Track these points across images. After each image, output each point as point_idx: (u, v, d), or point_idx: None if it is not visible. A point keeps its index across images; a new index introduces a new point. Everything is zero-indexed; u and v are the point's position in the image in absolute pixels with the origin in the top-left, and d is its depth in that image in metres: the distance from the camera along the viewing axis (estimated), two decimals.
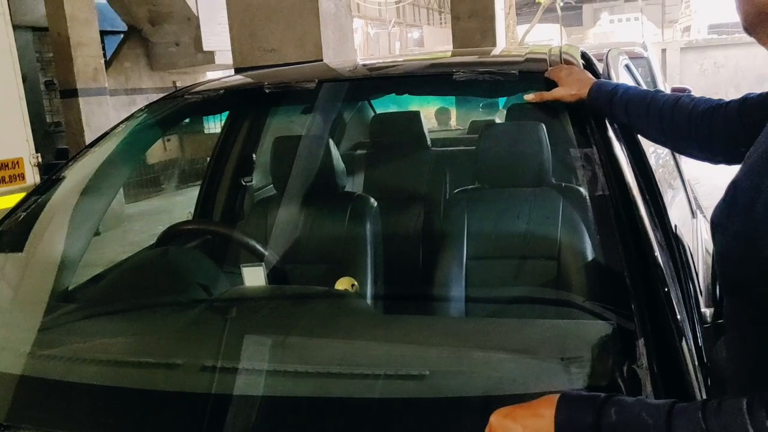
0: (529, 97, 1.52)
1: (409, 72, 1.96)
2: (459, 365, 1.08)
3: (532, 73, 1.58)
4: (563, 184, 1.78)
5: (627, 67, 2.17)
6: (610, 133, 1.40)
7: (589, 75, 1.50)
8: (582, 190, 1.70)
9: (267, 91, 1.73)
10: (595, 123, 1.41)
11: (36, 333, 1.43)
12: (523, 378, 1.02)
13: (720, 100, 1.27)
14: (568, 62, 1.61)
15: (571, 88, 1.45)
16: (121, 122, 1.84)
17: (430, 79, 1.87)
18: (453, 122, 6.01)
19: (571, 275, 1.61)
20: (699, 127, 1.25)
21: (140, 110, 1.87)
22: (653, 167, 1.53)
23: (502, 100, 3.26)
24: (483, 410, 0.87)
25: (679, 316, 1.02)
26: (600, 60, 1.81)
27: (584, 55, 1.74)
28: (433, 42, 32.75)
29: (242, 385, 1.08)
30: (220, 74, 9.27)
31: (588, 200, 1.65)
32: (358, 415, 0.99)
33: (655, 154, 1.90)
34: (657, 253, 1.11)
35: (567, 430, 0.78)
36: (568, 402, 0.80)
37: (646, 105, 1.34)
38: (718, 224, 0.86)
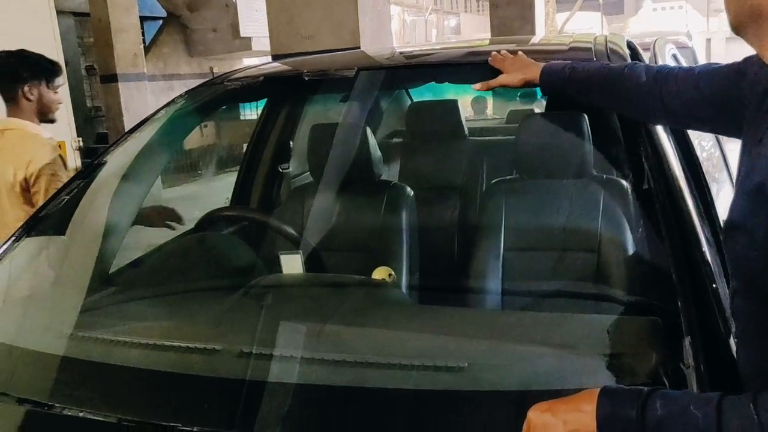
0: (476, 86, 1.55)
1: (450, 60, 1.93)
2: (498, 358, 1.06)
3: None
4: (605, 176, 1.74)
5: (674, 57, 2.11)
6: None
7: (532, 60, 1.50)
8: (624, 182, 1.66)
9: (306, 78, 1.73)
10: None
11: (77, 315, 1.46)
12: (563, 373, 1.00)
13: (665, 66, 1.28)
14: (614, 52, 1.57)
15: (517, 73, 1.47)
16: (162, 108, 1.85)
17: (471, 68, 1.85)
18: (489, 111, 5.95)
19: (611, 269, 1.58)
20: (651, 93, 1.24)
21: (180, 96, 1.89)
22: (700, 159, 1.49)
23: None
24: (521, 404, 0.86)
25: (727, 314, 0.99)
26: (646, 50, 1.76)
27: (630, 45, 1.70)
28: (470, 30, 32.44)
29: (279, 371, 1.08)
30: (256, 61, 9.33)
31: (630, 193, 1.61)
32: (395, 405, 0.98)
33: (700, 146, 1.85)
34: (705, 249, 1.08)
35: (610, 425, 0.76)
36: (610, 396, 0.78)
37: (598, 78, 1.35)
38: (740, 224, 0.82)
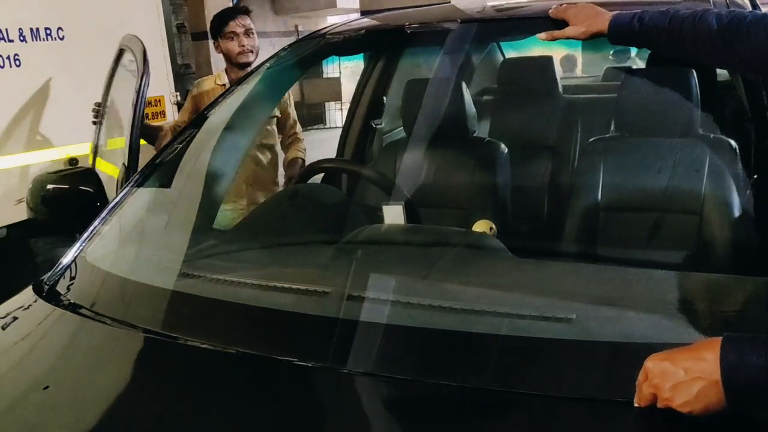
0: (541, 36, 1.50)
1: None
2: (606, 311, 1.06)
3: None
4: (711, 135, 1.68)
5: None
6: None
7: (601, 9, 1.43)
8: (732, 142, 1.60)
9: (408, 31, 1.73)
10: None
11: (187, 258, 1.53)
12: (675, 329, 0.99)
13: (737, 13, 1.23)
14: (734, 3, 1.50)
15: (584, 24, 1.42)
16: (265, 61, 1.90)
17: None
18: (579, 70, 5.76)
19: (714, 231, 1.53)
20: (724, 41, 1.21)
21: (283, 49, 1.93)
22: None
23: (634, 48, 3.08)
24: (634, 356, 0.86)
25: None
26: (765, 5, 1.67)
27: None
28: None
29: (389, 314, 1.11)
30: (337, 19, 9.34)
31: (738, 153, 1.55)
32: (507, 352, 1.00)
33: None
34: None
35: (735, 372, 0.74)
36: (735, 344, 0.76)
37: (668, 29, 1.31)
38: None
